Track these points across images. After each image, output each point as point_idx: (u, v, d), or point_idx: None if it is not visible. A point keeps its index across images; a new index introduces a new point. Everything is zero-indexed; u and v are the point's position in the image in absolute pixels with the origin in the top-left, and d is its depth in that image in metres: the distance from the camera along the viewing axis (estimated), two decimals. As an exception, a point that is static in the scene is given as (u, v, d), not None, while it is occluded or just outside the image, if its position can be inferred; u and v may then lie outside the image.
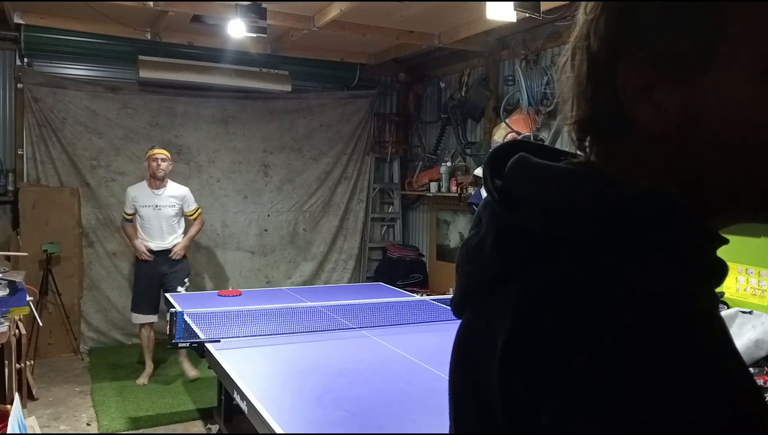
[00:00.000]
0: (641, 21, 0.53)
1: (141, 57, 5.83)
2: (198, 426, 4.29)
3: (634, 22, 0.53)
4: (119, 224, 5.51)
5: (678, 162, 0.54)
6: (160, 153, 5.09)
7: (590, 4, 0.56)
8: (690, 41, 0.51)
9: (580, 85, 0.57)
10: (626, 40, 0.53)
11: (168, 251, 5.02)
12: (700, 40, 0.50)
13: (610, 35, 0.54)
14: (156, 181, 5.06)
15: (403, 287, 5.59)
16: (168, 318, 3.30)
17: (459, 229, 6.65)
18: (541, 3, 3.90)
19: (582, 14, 0.56)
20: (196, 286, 6.30)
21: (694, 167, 0.53)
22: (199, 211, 5.36)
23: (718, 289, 0.73)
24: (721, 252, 0.64)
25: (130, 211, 5.07)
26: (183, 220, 5.23)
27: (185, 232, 5.18)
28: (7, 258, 5.21)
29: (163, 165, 5.04)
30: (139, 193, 5.06)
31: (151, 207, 5.03)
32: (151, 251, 4.99)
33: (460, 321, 0.63)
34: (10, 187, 5.73)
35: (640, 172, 0.55)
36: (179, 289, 4.91)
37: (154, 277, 5.00)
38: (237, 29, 4.64)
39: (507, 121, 5.39)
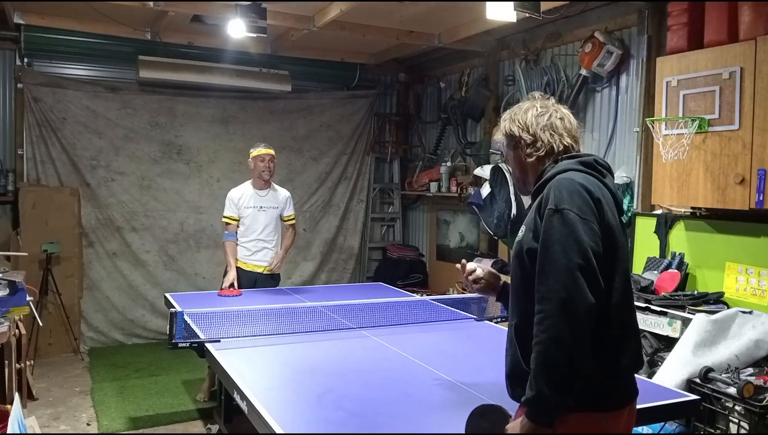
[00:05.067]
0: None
1: (141, 57, 5.84)
2: (198, 426, 4.29)
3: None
4: (222, 239, 4.95)
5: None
6: (268, 153, 4.75)
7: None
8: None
9: None
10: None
11: (258, 274, 4.75)
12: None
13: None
14: (261, 181, 4.78)
15: (403, 287, 5.58)
16: (168, 318, 3.29)
17: (459, 229, 6.65)
18: (541, 3, 3.90)
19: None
20: (197, 286, 6.31)
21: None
22: (294, 219, 5.01)
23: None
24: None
25: (230, 214, 4.72)
26: (280, 227, 4.89)
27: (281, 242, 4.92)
28: (7, 258, 5.21)
29: (271, 165, 4.77)
30: (242, 195, 4.76)
31: (255, 208, 4.74)
32: (243, 270, 4.69)
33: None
34: (10, 187, 5.74)
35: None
36: None
37: (247, 283, 4.70)
38: (237, 29, 4.64)
39: (507, 121, 5.38)
